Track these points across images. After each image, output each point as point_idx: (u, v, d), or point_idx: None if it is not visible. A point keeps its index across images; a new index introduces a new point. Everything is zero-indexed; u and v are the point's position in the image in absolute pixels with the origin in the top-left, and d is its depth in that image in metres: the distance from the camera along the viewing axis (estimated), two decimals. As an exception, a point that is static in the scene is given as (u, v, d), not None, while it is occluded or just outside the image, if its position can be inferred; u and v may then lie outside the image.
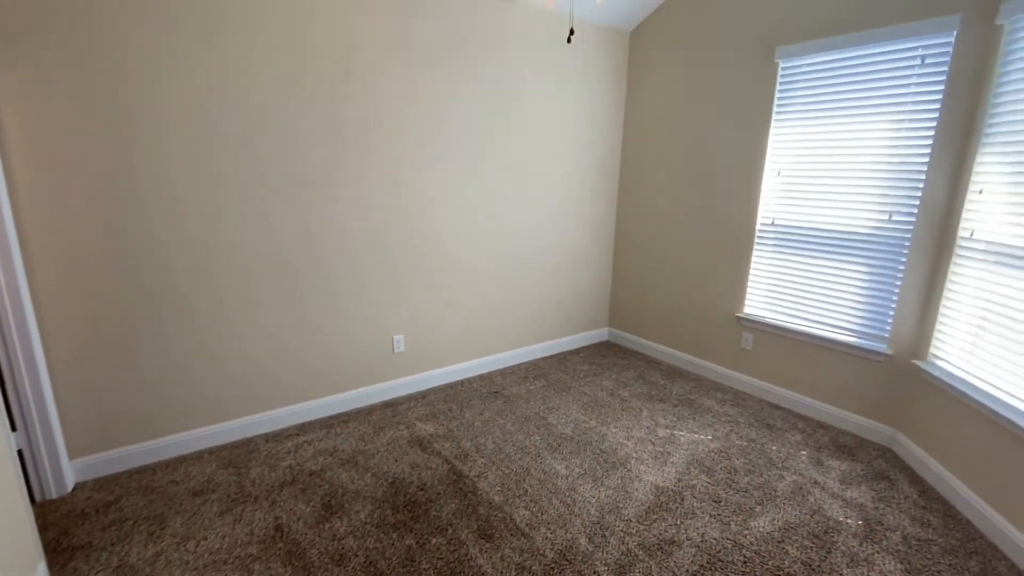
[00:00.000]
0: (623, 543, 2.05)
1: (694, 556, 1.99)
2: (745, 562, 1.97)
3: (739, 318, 3.44)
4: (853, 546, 2.06)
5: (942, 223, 2.50)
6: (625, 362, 4.00)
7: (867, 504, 2.33)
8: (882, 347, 2.77)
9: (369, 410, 3.13)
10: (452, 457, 2.62)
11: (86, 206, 2.18)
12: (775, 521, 2.20)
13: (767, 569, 1.93)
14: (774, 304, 3.27)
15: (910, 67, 2.54)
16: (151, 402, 2.48)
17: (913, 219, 2.59)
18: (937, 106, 2.46)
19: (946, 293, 2.48)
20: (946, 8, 2.37)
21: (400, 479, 2.43)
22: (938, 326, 2.53)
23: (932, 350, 2.56)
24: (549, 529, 2.11)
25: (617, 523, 2.16)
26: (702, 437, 2.87)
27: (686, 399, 3.35)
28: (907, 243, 2.63)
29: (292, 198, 2.67)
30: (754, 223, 3.29)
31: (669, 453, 2.70)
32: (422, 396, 3.32)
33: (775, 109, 3.10)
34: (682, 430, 2.95)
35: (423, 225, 3.18)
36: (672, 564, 1.95)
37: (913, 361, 2.62)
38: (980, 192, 2.30)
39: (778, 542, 2.08)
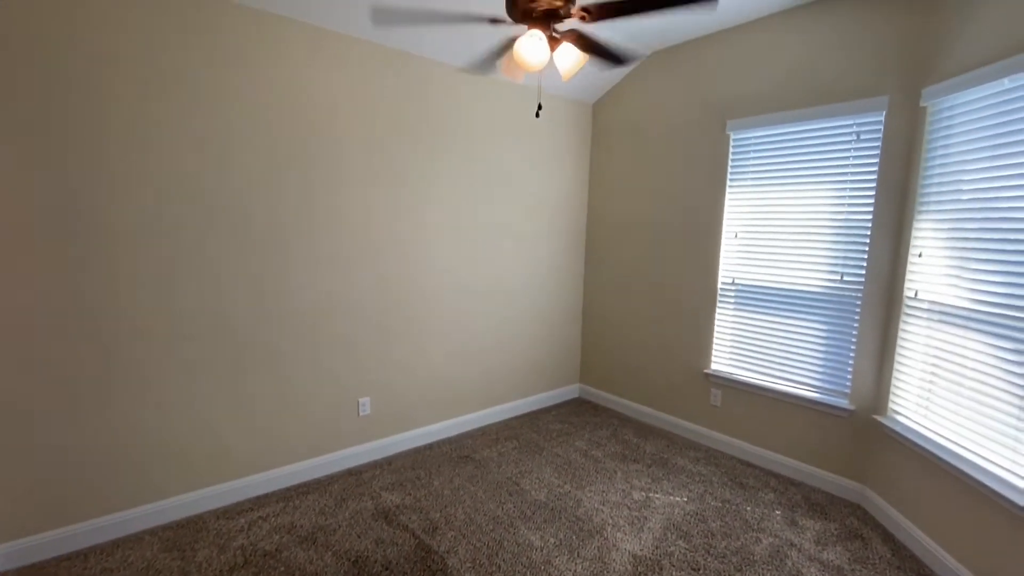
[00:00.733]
0: (602, 621, 1.94)
1: (676, 633, 1.90)
2: (728, 637, 1.89)
3: (707, 374, 3.49)
4: (834, 613, 2.02)
5: (889, 283, 2.65)
6: (598, 420, 3.96)
7: (843, 566, 2.30)
8: (844, 402, 2.85)
9: (331, 479, 2.95)
10: (420, 531, 2.47)
11: (12, 267, 2.07)
12: (755, 589, 2.14)
13: (751, 644, 1.85)
14: (739, 361, 3.35)
15: (848, 141, 2.77)
16: (81, 478, 2.26)
17: (862, 279, 2.75)
18: (875, 176, 2.67)
19: (898, 350, 2.60)
20: (874, 91, 2.63)
21: (363, 558, 2.26)
22: (894, 381, 2.63)
23: (891, 405, 2.65)
24: (524, 609, 1.99)
25: (595, 599, 2.05)
26: (677, 499, 2.82)
27: (660, 458, 3.32)
28: (859, 302, 2.77)
29: (253, 257, 2.62)
30: (716, 282, 3.41)
31: (645, 518, 2.63)
32: (388, 463, 3.17)
33: (729, 176, 3.31)
34: (657, 492, 2.89)
35: (393, 284, 3.16)
36: (654, 643, 1.85)
37: (874, 416, 2.70)
38: (920, 255, 2.47)
39: (760, 612, 2.01)
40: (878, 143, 2.65)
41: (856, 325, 2.79)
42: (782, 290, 3.09)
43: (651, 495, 2.86)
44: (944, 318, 2.32)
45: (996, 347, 2.05)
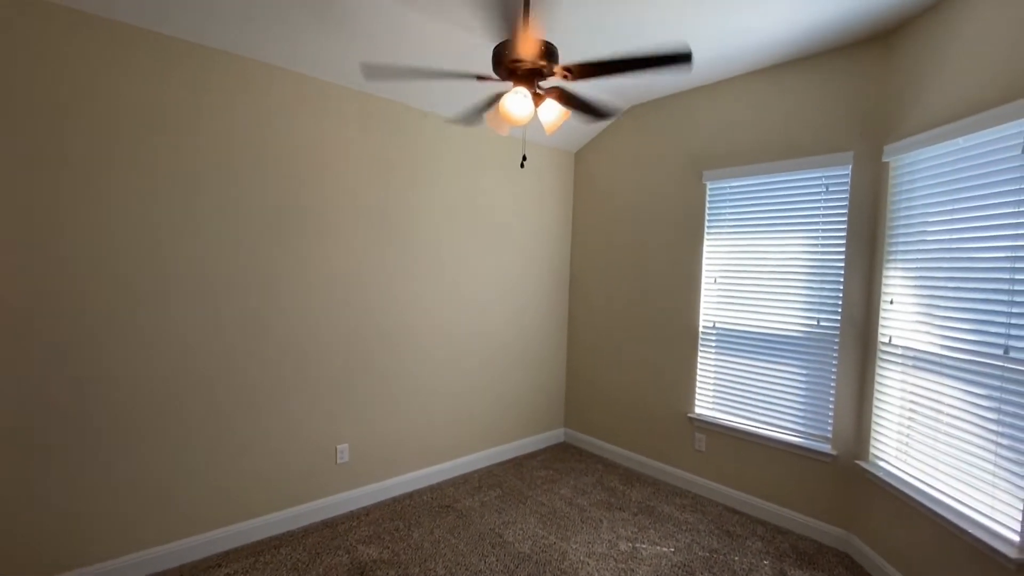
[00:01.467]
0: None
1: None
2: None
3: (691, 418, 3.49)
4: (827, 671, 1.95)
5: (864, 329, 2.72)
6: (583, 466, 3.89)
7: (834, 619, 2.25)
8: (826, 447, 2.86)
9: (305, 532, 2.82)
10: (398, 587, 2.36)
11: None
12: (746, 646, 2.07)
13: None
14: (723, 404, 3.36)
15: (818, 192, 2.91)
16: (28, 536, 2.13)
17: (839, 325, 2.82)
18: (844, 226, 2.79)
19: (876, 394, 2.64)
20: (841, 146, 2.79)
21: (338, 618, 2.14)
22: (874, 426, 2.66)
23: (872, 450, 2.66)
24: (507, 673, 1.88)
25: (582, 660, 1.96)
26: (665, 550, 2.76)
27: (646, 506, 3.25)
28: (836, 347, 2.83)
29: (225, 300, 2.59)
30: (697, 326, 3.46)
31: (632, 571, 2.55)
32: (366, 513, 3.05)
33: (707, 223, 3.42)
34: (644, 542, 2.82)
35: (374, 327, 3.13)
36: None
37: (856, 462, 2.71)
38: (891, 302, 2.56)
39: (752, 672, 1.94)
40: (846, 195, 2.79)
41: (835, 370, 2.84)
42: (762, 334, 3.15)
43: (638, 545, 2.79)
44: (918, 363, 2.38)
45: (968, 392, 2.10)
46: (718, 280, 3.37)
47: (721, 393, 3.37)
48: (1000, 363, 1.95)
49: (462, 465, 3.67)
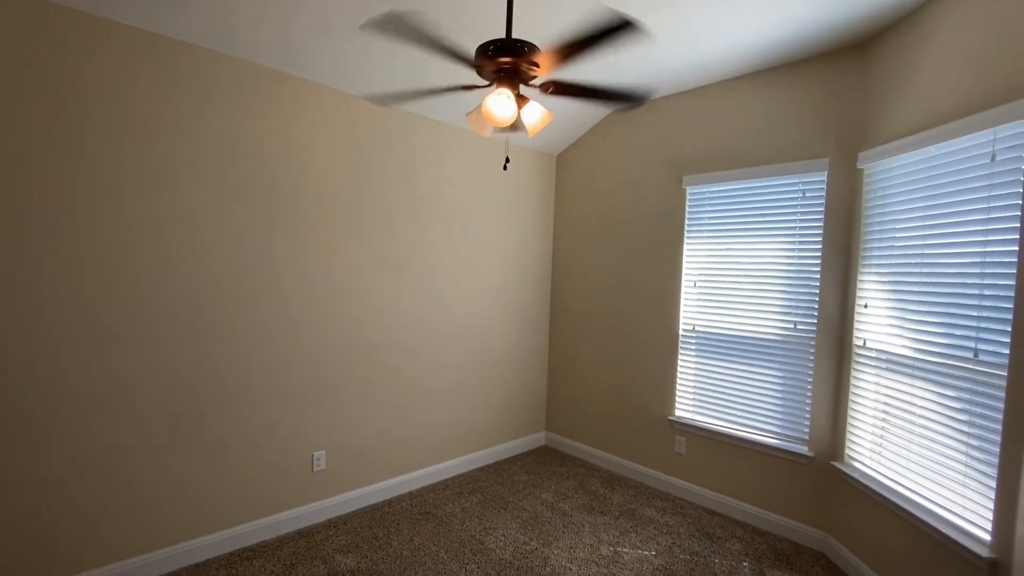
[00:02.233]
0: None
1: None
2: None
3: (671, 421, 3.50)
4: (806, 672, 1.97)
5: (839, 332, 2.78)
6: (564, 470, 3.88)
7: (812, 620, 2.27)
8: (803, 449, 2.90)
9: (280, 542, 2.73)
10: (377, 597, 2.30)
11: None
12: (727, 649, 2.07)
13: None
14: (702, 407, 3.38)
15: (795, 197, 2.96)
16: (-1, 552, 2.02)
17: (815, 328, 2.87)
18: (820, 231, 2.84)
19: (851, 396, 2.69)
20: (817, 153, 2.84)
21: (313, 632, 2.08)
22: (849, 428, 2.71)
23: (847, 451, 2.71)
24: None
25: (564, 668, 1.93)
26: (646, 553, 2.76)
27: (627, 509, 3.25)
28: (812, 350, 2.88)
29: (198, 303, 2.50)
30: (677, 329, 3.49)
31: (614, 575, 2.54)
32: (343, 522, 2.98)
33: (686, 227, 3.45)
34: (625, 546, 2.82)
35: (353, 331, 3.07)
36: None
37: (832, 463, 2.75)
38: (865, 306, 2.61)
39: (733, 675, 1.94)
40: (822, 201, 2.84)
41: (811, 372, 2.89)
42: (740, 337, 3.19)
43: (619, 550, 2.78)
44: (891, 366, 2.43)
45: (940, 394, 2.16)
46: (698, 284, 3.40)
47: (701, 396, 3.39)
48: (970, 366, 2.00)
49: (442, 471, 3.62)
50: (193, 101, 2.40)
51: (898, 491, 2.31)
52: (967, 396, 2.02)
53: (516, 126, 2.05)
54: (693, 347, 3.43)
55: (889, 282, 2.47)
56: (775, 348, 3.04)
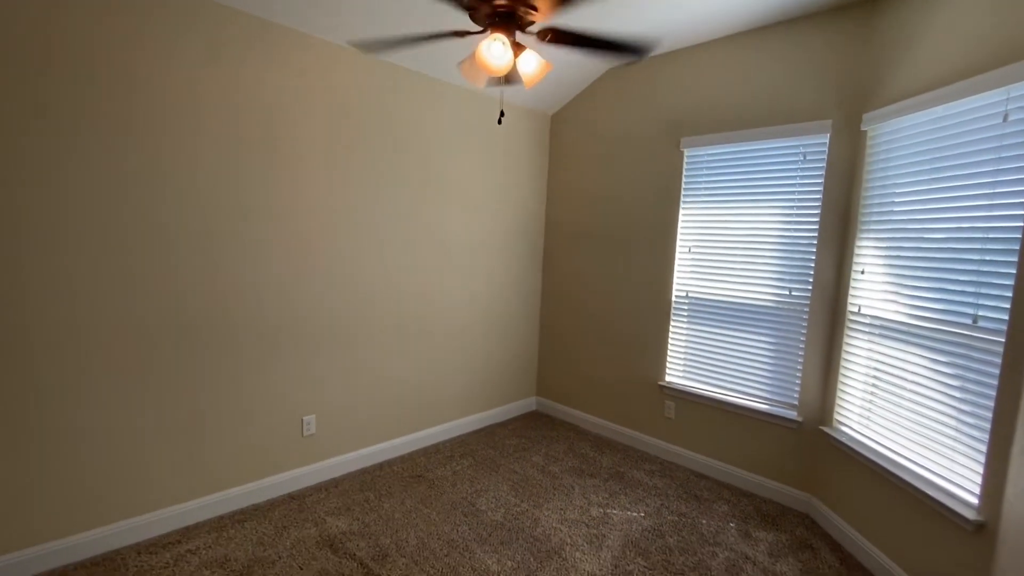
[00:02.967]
0: (562, 650, 1.86)
1: (637, 657, 1.84)
2: (689, 659, 1.85)
3: (661, 387, 3.52)
4: (789, 627, 2.03)
5: (833, 299, 2.76)
6: (554, 434, 3.90)
7: (795, 577, 2.33)
8: (792, 414, 2.93)
9: (271, 505, 2.73)
10: (369, 559, 2.31)
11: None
12: (713, 606, 2.12)
13: (712, 664, 1.83)
14: (692, 373, 3.39)
15: (795, 161, 2.88)
16: (-21, 516, 1.97)
17: (809, 294, 2.84)
18: (819, 195, 2.78)
19: (842, 362, 2.70)
20: (819, 114, 2.75)
21: (305, 592, 2.08)
22: (839, 393, 2.72)
23: (836, 416, 2.74)
24: (480, 641, 1.87)
25: (555, 625, 1.97)
26: (635, 514, 2.80)
27: (616, 472, 3.29)
28: (806, 316, 2.87)
29: (183, 266, 2.40)
30: (670, 295, 3.45)
31: (604, 535, 2.58)
32: (335, 484, 2.97)
33: (683, 191, 3.37)
34: (615, 507, 2.86)
35: (341, 295, 2.99)
36: (615, 670, 1.78)
37: (820, 427, 2.78)
38: (862, 272, 2.58)
39: (719, 630, 1.99)
40: (823, 164, 2.77)
41: (803, 338, 2.88)
42: (733, 303, 3.16)
43: (609, 511, 2.82)
44: (885, 332, 2.42)
45: (932, 360, 2.15)
46: (692, 250, 3.35)
47: (691, 362, 3.39)
48: (968, 332, 1.99)
49: (433, 435, 3.62)
50: (160, 48, 2.23)
51: (886, 455, 2.34)
52: (962, 362, 2.01)
53: (511, 77, 1.94)
54: (685, 313, 3.41)
55: (887, 248, 2.43)
56: (768, 314, 3.03)
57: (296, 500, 2.79)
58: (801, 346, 2.90)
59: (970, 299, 1.99)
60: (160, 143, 2.26)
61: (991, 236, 1.92)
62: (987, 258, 1.93)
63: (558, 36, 1.77)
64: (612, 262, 3.79)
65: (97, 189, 2.12)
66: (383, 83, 3.03)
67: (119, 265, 2.20)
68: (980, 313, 1.94)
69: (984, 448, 1.87)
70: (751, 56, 3.00)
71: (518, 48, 1.78)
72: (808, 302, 2.85)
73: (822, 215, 2.77)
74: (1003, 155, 1.88)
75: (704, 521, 2.77)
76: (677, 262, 3.42)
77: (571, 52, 2.66)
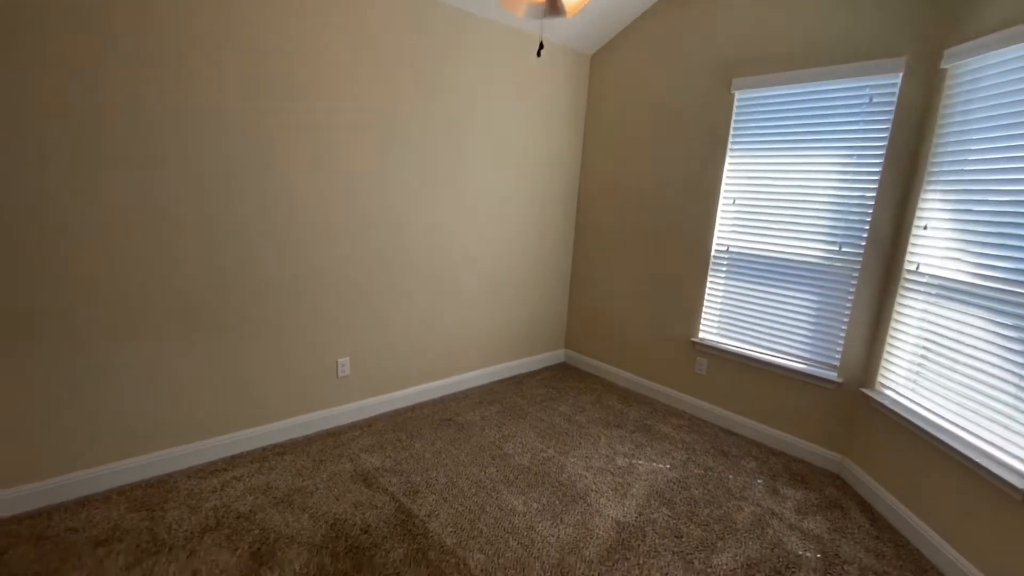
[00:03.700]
0: (585, 588, 1.92)
1: (658, 600, 1.89)
2: (710, 604, 1.88)
3: (694, 343, 3.45)
4: (814, 582, 2.03)
5: (889, 256, 2.58)
6: (582, 385, 3.92)
7: (823, 535, 2.32)
8: (832, 375, 2.83)
9: (308, 440, 2.86)
10: (400, 494, 2.41)
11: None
12: (737, 557, 2.14)
13: (732, 611, 1.86)
14: (728, 330, 3.30)
15: (859, 104, 2.64)
16: (46, 435, 2.13)
17: (862, 251, 2.67)
18: (884, 143, 2.55)
19: (893, 323, 2.55)
20: (891, 51, 2.48)
21: (342, 521, 2.20)
22: (885, 355, 2.60)
23: (879, 378, 2.63)
24: (507, 575, 1.95)
25: (578, 565, 2.03)
26: (661, 466, 2.81)
27: (643, 425, 3.30)
28: (856, 274, 2.71)
29: (228, 203, 2.42)
30: (709, 249, 3.32)
31: (629, 484, 2.61)
32: (368, 424, 3.09)
33: (731, 138, 3.16)
34: (640, 458, 2.88)
35: (374, 242, 2.99)
36: (636, 610, 1.84)
37: (862, 389, 2.68)
38: (925, 228, 2.39)
39: (741, 580, 2.02)
40: (891, 108, 2.52)
41: (851, 297, 2.73)
42: (777, 259, 3.01)
43: (634, 461, 2.84)
44: (944, 292, 2.26)
45: (996, 323, 2.01)
46: (737, 201, 3.17)
47: (728, 319, 3.29)
48: (1040, 294, 1.83)
49: (463, 381, 3.69)
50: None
51: (933, 421, 2.24)
52: (1029, 326, 1.86)
53: (552, 5, 1.78)
54: (724, 268, 3.27)
55: (956, 201, 2.23)
56: (814, 271, 2.87)
57: (332, 437, 2.91)
58: (847, 305, 2.75)
59: (1048, 258, 1.82)
60: (180, 78, 2.23)
61: (1083, 188, 1.72)
62: (1075, 213, 1.74)
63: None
64: (648, 214, 3.65)
65: (131, 129, 2.12)
66: (410, 20, 2.88)
67: (165, 217, 2.24)
68: (1059, 273, 1.77)
69: (1045, 417, 1.75)
70: (818, -16, 2.70)
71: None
72: (860, 259, 2.68)
73: (885, 164, 2.55)
74: (1111, 95, 1.65)
75: (731, 476, 2.76)
76: (719, 214, 3.26)
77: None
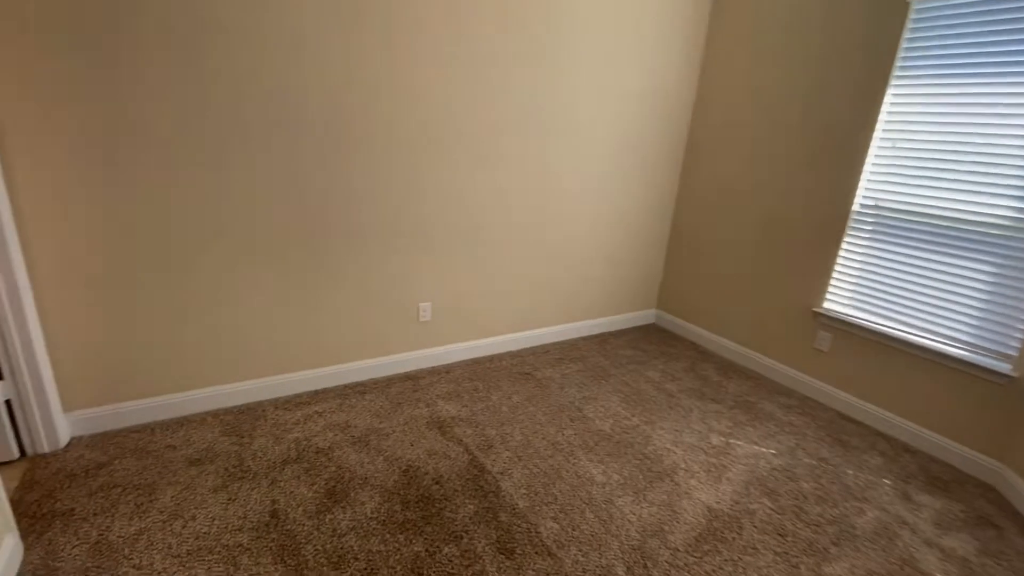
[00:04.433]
0: (669, 579, 1.72)
1: (756, 607, 1.64)
2: (820, 623, 1.61)
3: (816, 313, 2.95)
4: (958, 616, 1.67)
5: (1121, 220, 1.93)
6: (673, 351, 3.59)
7: (970, 558, 1.90)
8: (1004, 367, 2.26)
9: (388, 382, 2.86)
10: (474, 447, 2.33)
11: (84, 145, 1.90)
12: (855, 570, 1.81)
13: (849, 636, 1.57)
14: (864, 302, 2.77)
15: (1107, 9, 1.92)
16: (154, 357, 2.27)
17: (1077, 212, 2.03)
18: None
19: (1111, 310, 1.94)
20: None
21: (414, 467, 2.16)
22: (1091, 350, 2.00)
23: (1076, 378, 2.05)
24: (580, 550, 1.80)
25: (662, 551, 1.82)
26: (764, 450, 2.48)
27: (744, 401, 2.94)
28: (1062, 242, 2.08)
29: (323, 153, 2.33)
30: (851, 204, 2.75)
31: (724, 467, 2.32)
32: (446, 371, 3.03)
33: (898, 63, 2.51)
34: (740, 439, 2.55)
35: (461, 189, 2.80)
36: (729, 615, 1.61)
37: (1047, 389, 2.12)
38: None
39: (861, 599, 1.70)
40: None
41: (1048, 272, 2.12)
42: (943, 220, 2.41)
43: (732, 441, 2.53)
44: None
45: None
46: (898, 144, 2.56)
47: (865, 288, 2.76)
48: None
49: (544, 335, 3.51)
50: None
51: None
52: None
53: None
54: (869, 228, 2.71)
55: None
56: (995, 238, 2.26)
57: (411, 380, 2.89)
58: (1041, 282, 2.15)
59: None
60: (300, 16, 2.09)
61: None
62: None
63: None
64: (774, 159, 3.10)
65: (225, 83, 2.05)
66: (514, -78, 2.52)
67: (283, 155, 2.19)
68: None
69: None
70: None
71: None
72: (1071, 223, 2.05)
73: None
74: None
75: (850, 472, 2.37)
76: (871, 160, 2.66)
77: None
